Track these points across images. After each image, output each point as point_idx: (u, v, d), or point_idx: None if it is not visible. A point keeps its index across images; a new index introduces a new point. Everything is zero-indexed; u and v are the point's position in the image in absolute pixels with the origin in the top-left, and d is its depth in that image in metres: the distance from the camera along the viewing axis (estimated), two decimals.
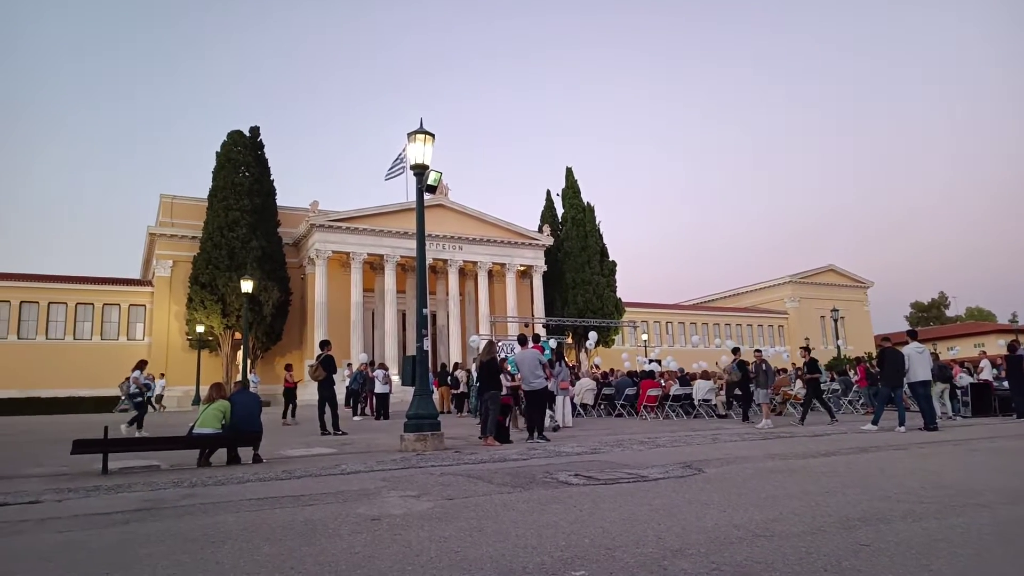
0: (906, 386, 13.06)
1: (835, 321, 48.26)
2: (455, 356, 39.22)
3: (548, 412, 13.50)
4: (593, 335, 35.47)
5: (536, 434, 11.61)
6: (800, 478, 6.62)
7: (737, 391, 17.21)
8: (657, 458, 8.50)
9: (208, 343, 38.11)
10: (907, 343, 13.17)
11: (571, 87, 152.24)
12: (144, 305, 41.09)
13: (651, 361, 24.32)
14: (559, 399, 15.19)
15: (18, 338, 37.91)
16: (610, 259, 48.63)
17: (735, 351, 16.88)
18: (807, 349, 16.35)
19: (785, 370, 23.83)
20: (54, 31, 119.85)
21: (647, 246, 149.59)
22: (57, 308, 39.18)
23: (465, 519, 4.81)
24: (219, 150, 39.76)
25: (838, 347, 47.50)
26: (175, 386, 37.95)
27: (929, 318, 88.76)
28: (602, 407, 20.19)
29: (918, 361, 12.76)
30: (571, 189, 48.91)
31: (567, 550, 3.82)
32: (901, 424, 12.32)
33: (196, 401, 34.22)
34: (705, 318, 61.85)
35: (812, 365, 15.84)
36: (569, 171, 49.38)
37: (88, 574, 3.57)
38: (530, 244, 45.84)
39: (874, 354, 23.23)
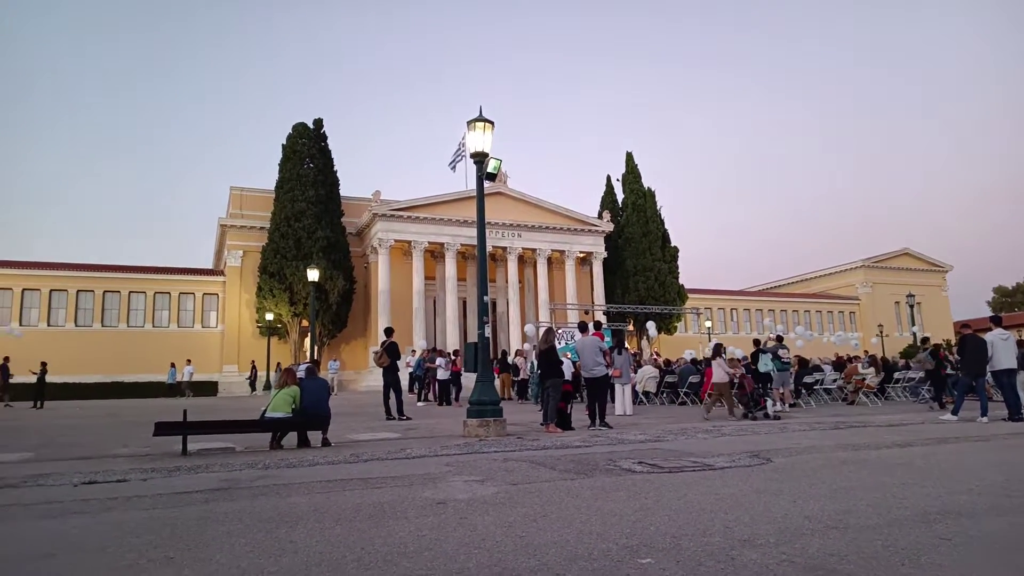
0: (989, 375, 12.42)
1: (911, 307, 46.27)
2: (515, 343, 39.38)
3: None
4: (652, 324, 35.02)
5: (598, 421, 11.57)
6: (874, 469, 6.40)
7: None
8: (723, 447, 8.35)
9: (277, 330, 39.39)
10: (990, 329, 12.51)
11: (629, 70, 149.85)
12: (217, 294, 42.75)
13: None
14: (619, 387, 15.09)
15: (102, 326, 40.03)
16: (672, 245, 47.83)
17: (778, 339, 16.31)
18: (926, 339, 15.76)
19: (857, 357, 23.02)
20: (122, 31, 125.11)
21: (710, 231, 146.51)
22: (137, 297, 41.17)
23: (529, 505, 4.84)
24: (284, 142, 40.84)
25: (914, 334, 45.52)
26: (247, 372, 39.47)
27: (1014, 303, 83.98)
28: (664, 395, 19.95)
29: (1002, 348, 12.09)
30: (631, 174, 48.24)
31: (632, 538, 3.81)
32: (984, 414, 11.75)
33: (267, 387, 35.50)
34: (772, 304, 60.21)
35: (935, 353, 15.36)
36: (629, 156, 48.70)
37: (172, 549, 3.75)
38: (590, 230, 45.50)
39: (953, 341, 22.20)
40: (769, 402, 13.86)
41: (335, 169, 41.71)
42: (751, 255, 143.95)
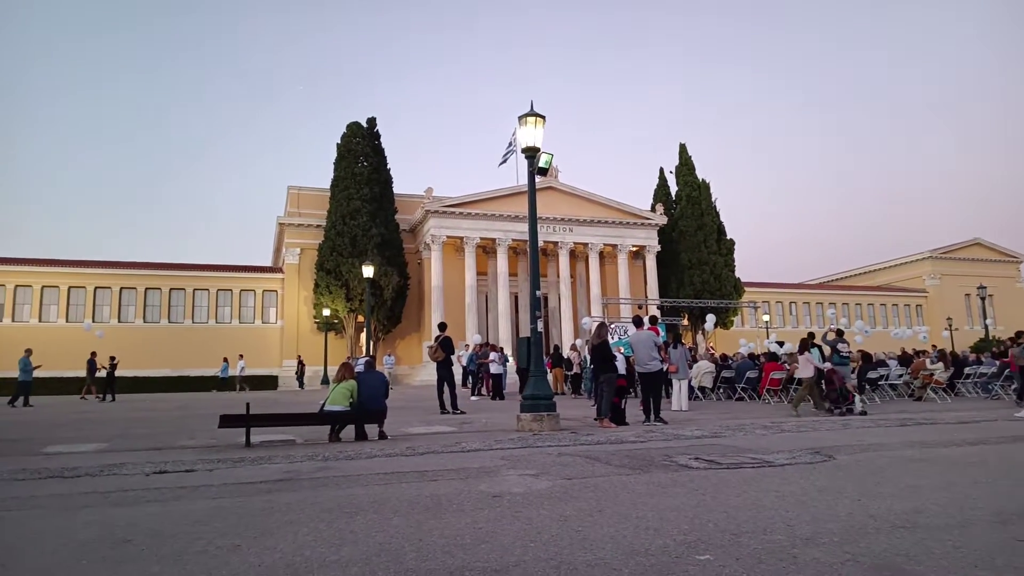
0: None
1: (982, 299, 44.27)
2: (567, 338, 39.32)
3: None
4: (711, 317, 34.42)
5: (653, 417, 11.45)
6: (943, 468, 6.15)
7: None
8: (782, 443, 8.16)
9: (334, 326, 40.26)
10: None
11: (680, 61, 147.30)
12: (276, 291, 43.97)
13: (778, 343, 23.25)
14: (675, 382, 14.89)
15: (168, 322, 41.65)
16: (728, 237, 46.92)
17: (838, 333, 15.68)
18: (1021, 333, 14.94)
19: (925, 352, 22.14)
20: (179, 35, 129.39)
21: (767, 223, 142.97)
22: (200, 294, 42.71)
23: (584, 499, 4.83)
24: (339, 141, 41.66)
25: (986, 327, 43.51)
26: (307, 366, 40.46)
27: None
28: (721, 391, 19.60)
29: None
30: (685, 166, 47.48)
31: (690, 534, 3.76)
32: None
33: (325, 381, 36.33)
34: (832, 297, 58.42)
35: None
36: (683, 147, 47.93)
37: (239, 537, 3.89)
38: (642, 224, 45.01)
39: None
40: (857, 398, 13.45)
41: (388, 167, 42.35)
42: (809, 248, 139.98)
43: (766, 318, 45.69)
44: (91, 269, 41.03)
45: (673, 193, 48.23)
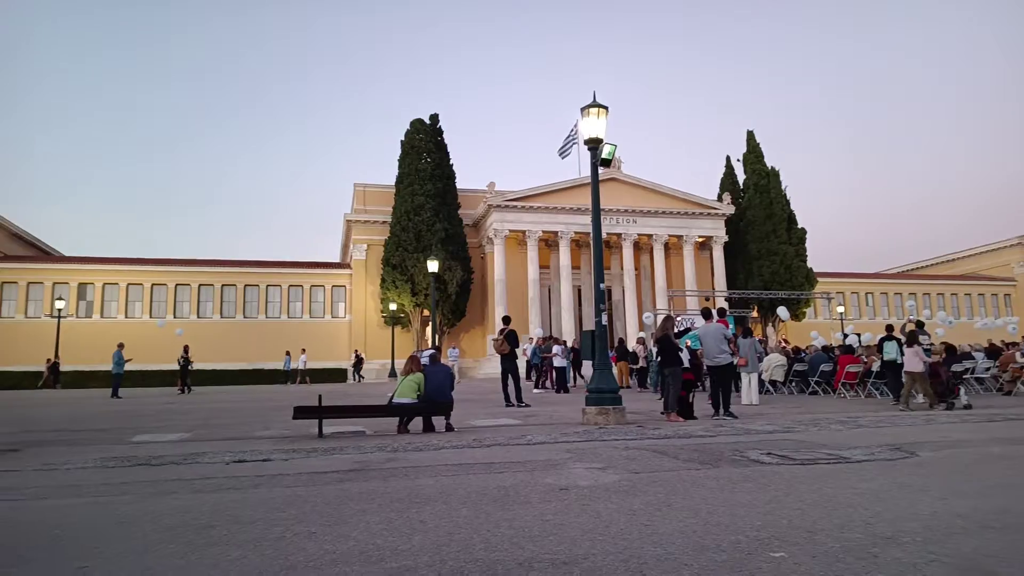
0: None
1: None
2: (631, 331, 38.92)
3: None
4: (783, 309, 33.46)
5: (722, 411, 11.22)
6: None
7: None
8: (859, 439, 7.86)
9: (400, 320, 41.05)
10: None
11: (747, 45, 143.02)
12: (344, 286, 45.14)
13: (851, 335, 22.41)
14: (745, 376, 14.55)
15: (243, 317, 43.33)
16: (799, 226, 45.42)
17: (918, 324, 14.92)
18: None
19: (1015, 344, 20.93)
20: (243, 37, 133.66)
21: (840, 211, 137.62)
22: (273, 290, 44.27)
23: (653, 493, 4.78)
24: (403, 138, 42.32)
25: None
26: (374, 359, 41.48)
27: None
28: (793, 384, 19.03)
29: None
30: (752, 154, 46.20)
31: (763, 530, 3.67)
32: None
33: (392, 374, 37.11)
34: (911, 287, 55.85)
35: None
36: (750, 135, 46.64)
37: (314, 525, 4.02)
38: (709, 214, 44.05)
39: None
40: (962, 391, 12.87)
41: (451, 162, 42.77)
42: (886, 236, 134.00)
43: (840, 309, 44.03)
44: (172, 267, 43.09)
45: (741, 182, 47.01)
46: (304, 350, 38.34)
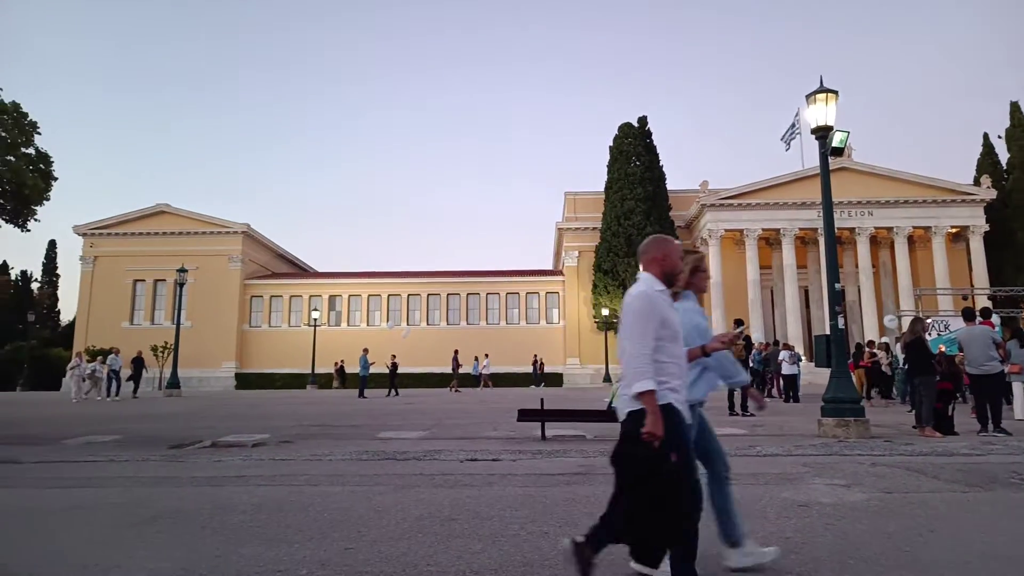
0: None
1: None
2: (869, 334, 35.26)
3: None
4: None
5: (991, 426, 9.72)
6: None
7: None
8: None
9: (612, 325, 41.04)
10: None
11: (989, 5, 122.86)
12: (557, 292, 46.30)
13: None
14: (1017, 386, 12.48)
15: (467, 324, 46.15)
16: None
17: None
18: None
19: None
20: (464, 55, 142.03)
21: None
22: (492, 298, 46.69)
23: (910, 516, 4.27)
24: (611, 144, 42.44)
25: None
26: (588, 364, 41.98)
27: None
28: None
29: None
30: (1018, 128, 39.62)
31: None
32: None
33: (607, 379, 37.27)
34: None
35: None
36: (1014, 107, 40.08)
37: (546, 525, 4.14)
38: (962, 200, 38.51)
39: None
40: None
41: (661, 164, 42.03)
42: None
43: None
44: (405, 279, 47.32)
45: (1004, 161, 40.53)
46: (487, 355, 38.41)
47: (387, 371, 27.68)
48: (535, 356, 39.98)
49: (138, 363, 26.43)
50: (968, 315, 10.90)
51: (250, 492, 5.45)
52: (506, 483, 5.76)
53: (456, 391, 29.84)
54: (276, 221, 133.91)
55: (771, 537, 3.74)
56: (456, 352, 31.86)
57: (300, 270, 56.56)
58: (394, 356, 28.92)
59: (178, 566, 3.35)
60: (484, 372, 36.41)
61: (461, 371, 34.27)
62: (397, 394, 27.17)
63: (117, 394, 24.48)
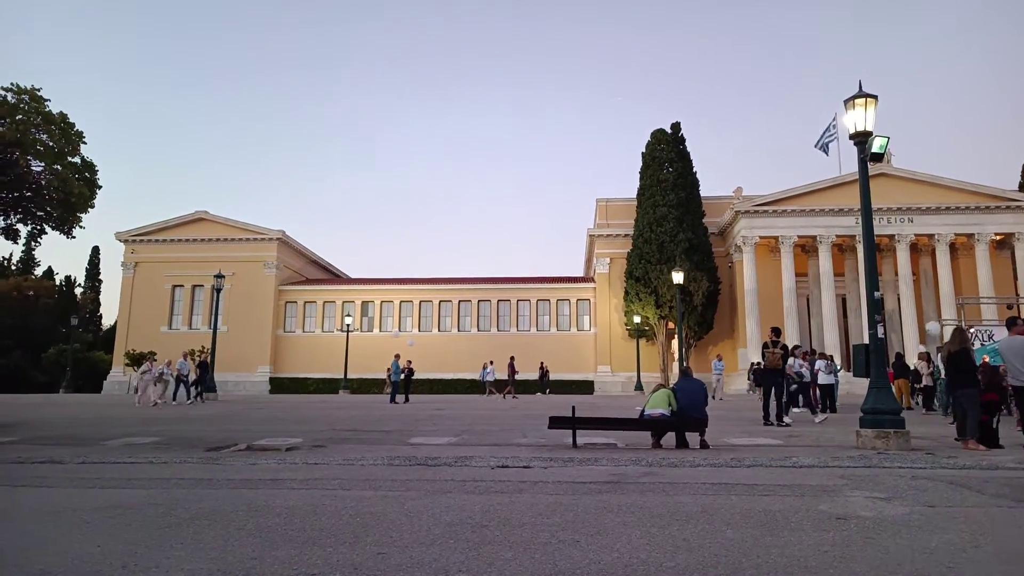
0: None
1: None
2: (910, 344, 34.45)
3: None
4: None
5: None
6: None
7: None
8: None
9: (644, 332, 40.78)
10: None
11: None
12: (588, 299, 46.14)
13: None
14: None
15: (497, 330, 46.17)
16: None
17: None
18: None
19: None
20: (497, 69, 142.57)
21: None
22: (522, 305, 46.69)
23: (954, 531, 4.15)
24: (644, 150, 42.21)
25: None
26: (619, 372, 41.73)
27: None
28: None
29: None
30: None
31: None
32: None
33: (638, 387, 36.96)
34: None
35: None
36: None
37: (577, 533, 4.12)
38: (1007, 207, 37.47)
39: None
40: None
41: (694, 171, 41.69)
42: None
43: None
44: (436, 286, 47.58)
45: None
46: (492, 362, 37.80)
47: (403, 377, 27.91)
48: (541, 364, 38.92)
49: (203, 367, 26.87)
50: (1011, 324, 10.57)
51: (284, 495, 5.52)
52: (537, 490, 5.74)
53: (513, 397, 30.89)
54: (310, 226, 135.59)
55: (808, 551, 3.66)
56: (512, 359, 33.17)
57: (333, 276, 57.25)
58: (410, 362, 29.15)
59: (215, 567, 3.41)
60: (488, 380, 36.50)
61: (490, 379, 34.39)
62: (407, 400, 27.01)
63: (195, 398, 25.32)
